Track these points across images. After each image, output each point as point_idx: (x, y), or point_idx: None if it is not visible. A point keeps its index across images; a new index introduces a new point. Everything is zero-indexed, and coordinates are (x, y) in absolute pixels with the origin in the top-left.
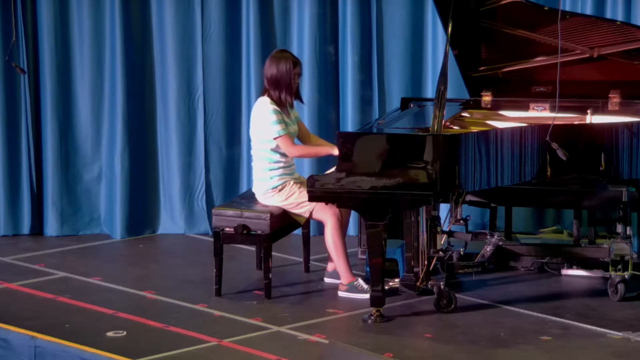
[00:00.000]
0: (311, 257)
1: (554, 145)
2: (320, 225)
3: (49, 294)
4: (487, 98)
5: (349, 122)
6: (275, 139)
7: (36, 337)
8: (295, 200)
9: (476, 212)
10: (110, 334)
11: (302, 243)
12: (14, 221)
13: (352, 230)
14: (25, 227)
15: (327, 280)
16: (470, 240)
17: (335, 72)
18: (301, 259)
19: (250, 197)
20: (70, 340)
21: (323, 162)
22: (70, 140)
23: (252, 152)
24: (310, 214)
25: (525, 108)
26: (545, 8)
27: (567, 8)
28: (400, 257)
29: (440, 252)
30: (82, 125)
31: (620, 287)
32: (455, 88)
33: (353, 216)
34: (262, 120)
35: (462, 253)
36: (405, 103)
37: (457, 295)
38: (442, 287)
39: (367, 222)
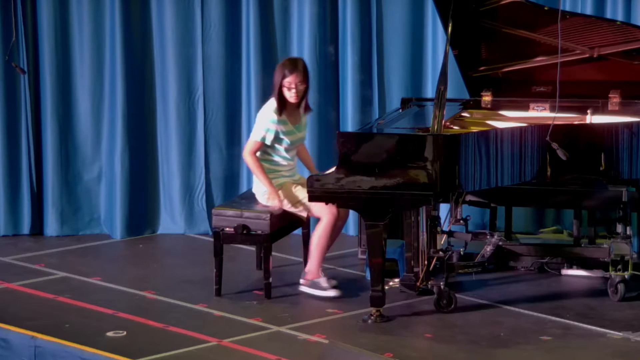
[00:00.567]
0: None
1: (554, 145)
2: None
3: (49, 294)
4: (487, 98)
5: (349, 122)
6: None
7: (36, 337)
8: (292, 200)
9: (476, 212)
10: (110, 334)
11: (302, 243)
12: (14, 221)
13: (352, 230)
14: (25, 227)
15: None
16: (470, 240)
17: (335, 72)
18: (301, 259)
19: (250, 197)
20: (70, 340)
21: (323, 162)
22: (70, 140)
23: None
24: (309, 211)
25: (525, 108)
26: (545, 8)
27: (567, 8)
28: (400, 257)
29: (440, 252)
30: (82, 125)
31: (620, 287)
32: (455, 88)
33: (353, 216)
34: (257, 119)
35: (462, 253)
36: (405, 103)
37: (457, 295)
38: (442, 287)
39: (367, 222)
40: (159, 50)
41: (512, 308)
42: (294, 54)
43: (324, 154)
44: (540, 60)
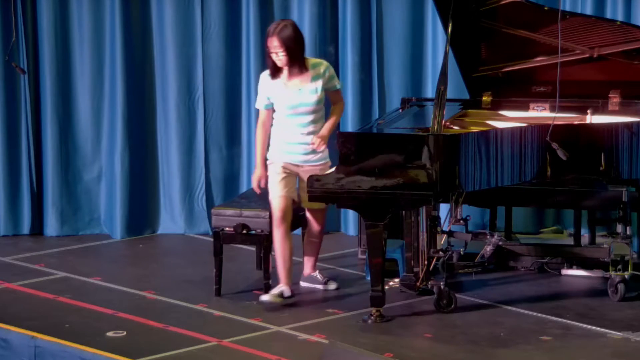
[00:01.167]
0: None
1: (554, 145)
2: None
3: (49, 294)
4: (487, 98)
5: (349, 122)
6: None
7: (36, 337)
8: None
9: (476, 212)
10: (110, 334)
11: (302, 243)
12: (14, 221)
13: (352, 230)
14: (25, 227)
15: (302, 284)
16: (470, 240)
17: (335, 72)
18: (301, 259)
19: (250, 197)
20: (70, 340)
21: None
22: (70, 140)
23: None
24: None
25: (525, 108)
26: (545, 8)
27: (567, 8)
28: (400, 257)
29: (440, 252)
30: (82, 125)
31: (620, 287)
32: (455, 88)
33: (353, 216)
34: None
35: (462, 253)
36: (405, 103)
37: (457, 295)
38: (442, 287)
39: (367, 222)
40: (159, 50)
41: (512, 308)
42: None
43: None
44: (540, 60)
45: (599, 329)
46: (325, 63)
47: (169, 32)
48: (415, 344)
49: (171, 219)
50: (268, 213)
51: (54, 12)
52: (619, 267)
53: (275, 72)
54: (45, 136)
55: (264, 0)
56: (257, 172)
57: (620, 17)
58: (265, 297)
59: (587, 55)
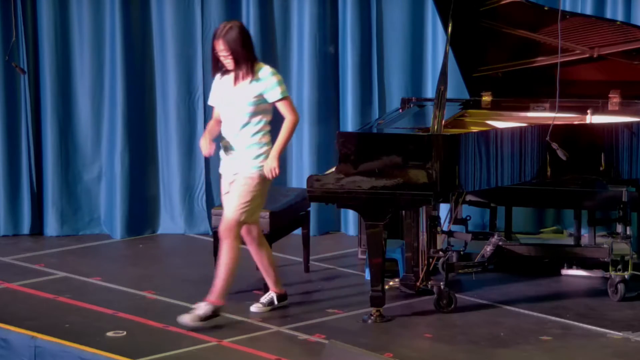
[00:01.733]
0: (311, 257)
1: (554, 145)
2: (321, 226)
3: (49, 294)
4: (487, 98)
5: (349, 122)
6: None
7: (36, 337)
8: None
9: (476, 212)
10: (110, 334)
11: (302, 243)
12: (14, 221)
13: (352, 230)
14: (25, 227)
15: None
16: (470, 240)
17: (335, 72)
18: (301, 259)
19: None
20: (70, 340)
21: (323, 162)
22: (70, 140)
23: None
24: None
25: (525, 108)
26: (545, 8)
27: (567, 8)
28: (400, 257)
29: (440, 252)
30: (82, 125)
31: (620, 287)
32: (455, 88)
33: (353, 216)
34: None
35: (462, 253)
36: (405, 103)
37: (457, 295)
38: (442, 287)
39: (367, 222)
40: (159, 50)
41: (512, 308)
42: (294, 53)
43: (323, 154)
44: (540, 60)
45: (599, 329)
46: (269, 69)
47: (169, 32)
48: (415, 344)
49: (171, 219)
50: (268, 213)
51: (54, 12)
52: (619, 267)
53: (217, 70)
54: (45, 136)
55: (264, 0)
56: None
57: (620, 17)
58: (254, 309)
59: (587, 55)
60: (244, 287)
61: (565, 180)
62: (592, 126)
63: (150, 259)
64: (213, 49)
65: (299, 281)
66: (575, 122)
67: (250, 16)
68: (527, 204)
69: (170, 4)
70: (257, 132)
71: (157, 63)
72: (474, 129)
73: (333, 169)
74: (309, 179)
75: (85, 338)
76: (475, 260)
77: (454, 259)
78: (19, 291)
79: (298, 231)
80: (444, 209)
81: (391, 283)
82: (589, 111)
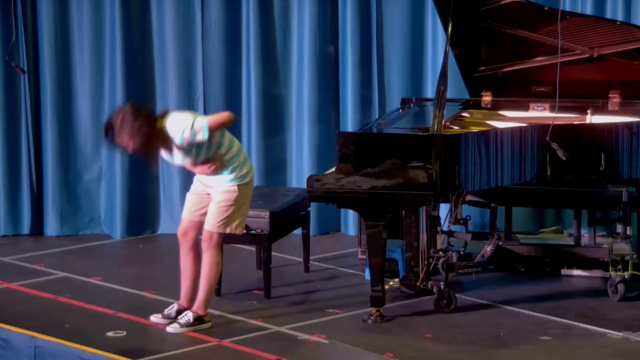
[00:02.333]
0: (311, 257)
1: (554, 145)
2: (321, 226)
3: (49, 294)
4: (487, 98)
5: (349, 122)
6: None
7: (36, 337)
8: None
9: (476, 212)
10: (110, 334)
11: (302, 243)
12: (14, 221)
13: (352, 230)
14: (25, 227)
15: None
16: (470, 240)
17: (335, 72)
18: (301, 259)
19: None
20: (70, 340)
21: (323, 162)
22: (70, 140)
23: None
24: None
25: (525, 108)
26: (545, 8)
27: (567, 8)
28: (400, 257)
29: (440, 252)
30: (82, 125)
31: (620, 287)
32: (455, 88)
33: (353, 216)
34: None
35: (462, 253)
36: (405, 103)
37: (457, 295)
38: (442, 287)
39: (367, 222)
40: (159, 50)
41: (512, 308)
42: (294, 53)
43: (323, 154)
44: (540, 60)
45: (599, 329)
46: (174, 119)
47: (169, 33)
48: (415, 344)
49: (171, 219)
50: (268, 213)
51: (54, 12)
52: (619, 267)
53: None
54: (45, 136)
55: (264, 0)
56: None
57: (620, 17)
58: (170, 329)
59: (587, 55)
60: (244, 287)
61: (565, 180)
62: (592, 126)
63: (150, 259)
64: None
65: (299, 281)
66: (575, 122)
67: (250, 16)
68: (527, 204)
69: (170, 4)
70: (219, 159)
71: (157, 63)
72: (474, 129)
73: (333, 169)
74: (309, 179)
75: (85, 338)
76: (475, 260)
77: (454, 259)
78: (19, 291)
79: (298, 231)
80: (444, 209)
81: (391, 283)
82: (589, 111)
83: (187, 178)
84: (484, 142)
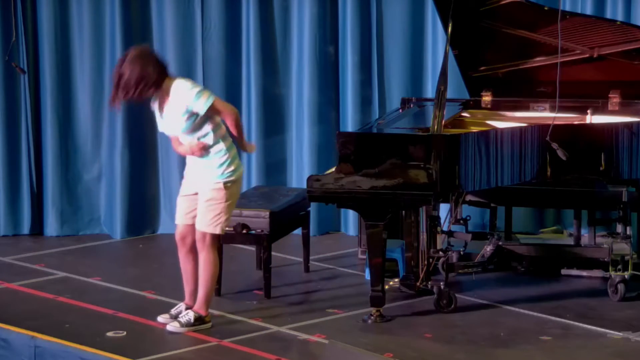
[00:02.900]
0: (311, 257)
1: (554, 145)
2: (321, 226)
3: (49, 294)
4: (487, 98)
5: (349, 122)
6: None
7: (36, 337)
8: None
9: (476, 212)
10: (110, 334)
11: (302, 243)
12: (14, 221)
13: (352, 230)
14: (25, 227)
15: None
16: (470, 240)
17: (335, 72)
18: (301, 259)
19: (250, 197)
20: (70, 340)
21: (323, 162)
22: (70, 140)
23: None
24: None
25: (526, 108)
26: (545, 8)
27: (567, 8)
28: (400, 257)
29: (440, 252)
30: (82, 125)
31: (620, 287)
32: (455, 88)
33: (353, 216)
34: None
35: (462, 253)
36: (405, 103)
37: (457, 295)
38: (442, 287)
39: (367, 222)
40: (159, 50)
41: (512, 308)
42: (294, 54)
43: (323, 154)
44: (540, 60)
45: (599, 329)
46: (182, 82)
47: (169, 32)
48: (415, 344)
49: (171, 219)
50: (268, 213)
51: (54, 12)
52: (619, 267)
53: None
54: (45, 136)
55: (264, 0)
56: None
57: (620, 17)
58: (171, 328)
59: (587, 55)
60: (244, 287)
61: (565, 180)
62: (592, 126)
63: (150, 259)
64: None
65: (299, 281)
66: (575, 122)
67: (250, 16)
68: (527, 204)
69: (170, 4)
70: (211, 144)
71: None
72: (474, 129)
73: (333, 169)
74: (309, 179)
75: (85, 338)
76: (475, 260)
77: (454, 259)
78: (19, 291)
79: (298, 231)
80: (444, 209)
81: (391, 283)
82: (589, 111)
83: None
84: (484, 142)
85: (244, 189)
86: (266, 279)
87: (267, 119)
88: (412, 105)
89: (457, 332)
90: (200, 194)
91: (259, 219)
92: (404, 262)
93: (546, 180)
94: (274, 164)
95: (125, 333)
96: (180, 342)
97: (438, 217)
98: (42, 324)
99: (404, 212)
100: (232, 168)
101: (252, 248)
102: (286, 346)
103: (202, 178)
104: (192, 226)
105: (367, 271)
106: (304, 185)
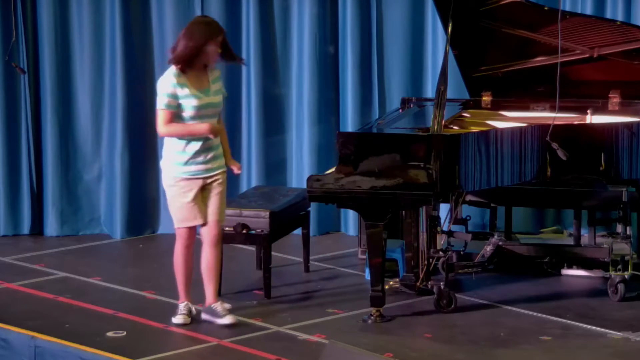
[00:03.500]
0: (311, 257)
1: (554, 145)
2: (321, 226)
3: (49, 294)
4: (487, 98)
5: (349, 122)
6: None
7: (36, 337)
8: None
9: (476, 212)
10: (110, 334)
11: (302, 243)
12: (14, 221)
13: (352, 230)
14: (25, 227)
15: (204, 317)
16: (470, 240)
17: (335, 72)
18: (301, 259)
19: (249, 197)
20: (70, 340)
21: (323, 162)
22: (70, 140)
23: None
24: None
25: (525, 108)
26: (545, 8)
27: (567, 8)
28: (400, 257)
29: (440, 252)
30: (82, 125)
31: (620, 287)
32: (455, 88)
33: (353, 216)
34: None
35: (462, 253)
36: (405, 103)
37: (457, 295)
38: (442, 287)
39: (367, 222)
40: (159, 50)
41: (512, 308)
42: (294, 53)
43: (323, 154)
44: (540, 61)
45: (599, 329)
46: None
47: (169, 32)
48: (415, 344)
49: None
50: (268, 213)
51: (54, 12)
52: (619, 267)
53: (187, 69)
54: (45, 136)
55: (264, 0)
56: (205, 127)
57: (620, 17)
58: (178, 320)
59: (587, 55)
60: (244, 287)
61: (565, 180)
62: (592, 126)
63: (150, 259)
64: (211, 44)
65: (299, 281)
66: (575, 122)
67: (250, 16)
68: (527, 204)
69: (170, 3)
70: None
71: (157, 63)
72: (474, 129)
73: (333, 169)
74: (309, 179)
75: (85, 338)
76: (475, 260)
77: (454, 259)
78: (19, 291)
79: (298, 231)
80: (444, 209)
81: (391, 283)
82: (589, 111)
83: None
84: (484, 142)
85: (244, 189)
86: (266, 279)
87: (267, 119)
88: (412, 105)
89: (457, 332)
90: (216, 183)
91: (259, 219)
92: (404, 262)
93: (546, 180)
94: (274, 164)
95: (125, 333)
96: (180, 342)
97: (438, 217)
98: (42, 324)
99: (404, 212)
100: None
101: (252, 248)
102: (286, 346)
103: (219, 165)
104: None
105: (367, 271)
106: (304, 185)
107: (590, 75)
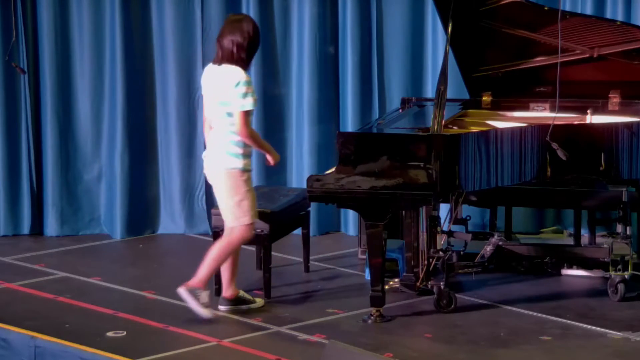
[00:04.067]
0: (311, 257)
1: (554, 145)
2: (321, 226)
3: (49, 294)
4: (487, 98)
5: (349, 122)
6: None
7: (36, 337)
8: (243, 203)
9: (476, 212)
10: (110, 334)
11: (302, 243)
12: (14, 221)
13: (352, 230)
14: (25, 227)
15: (222, 308)
16: (470, 240)
17: (335, 72)
18: (301, 259)
19: None
20: (70, 340)
21: (323, 162)
22: (70, 140)
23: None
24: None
25: (525, 108)
26: (545, 8)
27: (567, 8)
28: (400, 257)
29: (440, 252)
30: (82, 125)
31: (620, 287)
32: (455, 88)
33: (353, 216)
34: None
35: (462, 253)
36: (405, 103)
37: (457, 295)
38: (442, 287)
39: (367, 222)
40: (159, 50)
41: (512, 308)
42: (294, 54)
43: (323, 154)
44: (540, 61)
45: (599, 329)
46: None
47: (169, 33)
48: (415, 344)
49: (171, 219)
50: (268, 213)
51: (54, 12)
52: (619, 267)
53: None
54: (45, 136)
55: (264, 0)
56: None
57: (620, 17)
58: (206, 314)
59: (587, 55)
60: (244, 287)
61: (565, 180)
62: (592, 126)
63: (150, 259)
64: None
65: (299, 281)
66: (575, 122)
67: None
68: (527, 204)
69: (170, 4)
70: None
71: (157, 63)
72: (474, 129)
73: (333, 169)
74: (309, 179)
75: (85, 338)
76: (475, 260)
77: (454, 259)
78: (19, 291)
79: (298, 231)
80: (444, 209)
81: (391, 283)
82: (589, 111)
83: (187, 178)
84: (484, 142)
85: None
86: (266, 279)
87: (267, 119)
88: (412, 105)
89: (457, 332)
90: None
91: (258, 218)
92: (404, 262)
93: (546, 180)
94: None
95: (125, 333)
96: (180, 342)
97: (438, 217)
98: (42, 324)
99: (404, 212)
100: None
101: (252, 248)
102: (286, 346)
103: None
104: None
105: (367, 271)
106: (304, 185)
107: (590, 75)
